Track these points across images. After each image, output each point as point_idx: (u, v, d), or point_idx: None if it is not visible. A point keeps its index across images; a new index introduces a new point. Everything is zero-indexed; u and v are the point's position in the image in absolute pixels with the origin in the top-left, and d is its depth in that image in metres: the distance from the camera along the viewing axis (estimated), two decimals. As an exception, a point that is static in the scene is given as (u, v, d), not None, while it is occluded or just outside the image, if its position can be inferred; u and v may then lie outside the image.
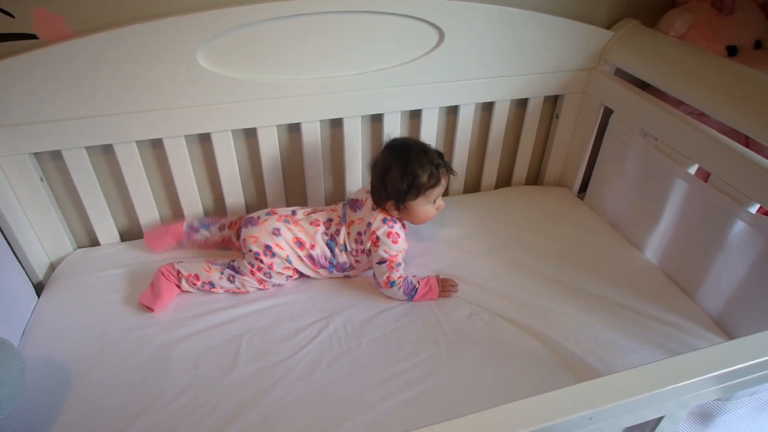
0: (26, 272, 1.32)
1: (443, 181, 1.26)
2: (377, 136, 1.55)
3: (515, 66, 1.51)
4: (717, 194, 1.23)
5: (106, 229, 1.46)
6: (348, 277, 1.38)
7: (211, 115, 1.34)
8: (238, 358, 1.15)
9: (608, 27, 1.55)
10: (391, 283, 1.26)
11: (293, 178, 1.57)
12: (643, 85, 1.49)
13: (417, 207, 1.26)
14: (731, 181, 1.19)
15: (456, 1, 1.35)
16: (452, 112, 1.60)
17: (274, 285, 1.33)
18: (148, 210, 1.46)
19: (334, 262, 1.32)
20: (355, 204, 1.33)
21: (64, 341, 1.18)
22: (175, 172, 1.42)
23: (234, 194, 1.51)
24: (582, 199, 1.74)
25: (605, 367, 1.14)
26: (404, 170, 1.22)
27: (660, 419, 0.76)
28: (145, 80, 1.24)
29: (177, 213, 1.52)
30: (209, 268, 1.29)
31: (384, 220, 1.26)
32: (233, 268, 1.30)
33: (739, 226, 1.19)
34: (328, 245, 1.31)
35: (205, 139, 1.42)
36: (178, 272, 1.28)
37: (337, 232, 1.31)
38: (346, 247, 1.31)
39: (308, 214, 1.34)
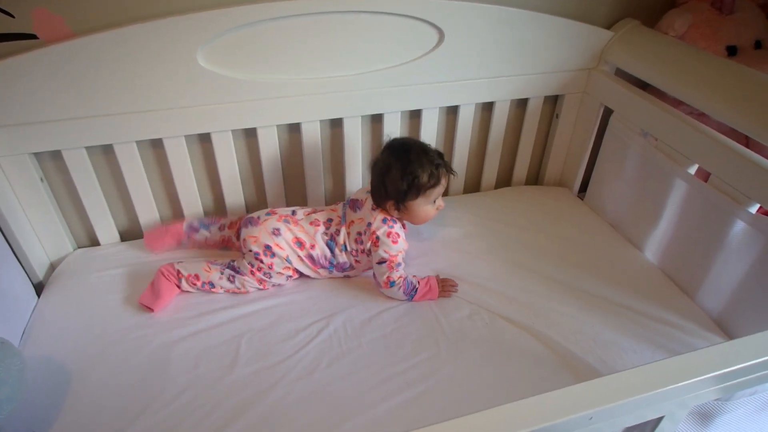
0: (26, 272, 1.32)
1: (443, 181, 1.26)
2: (377, 136, 1.55)
3: (515, 66, 1.51)
4: (717, 194, 1.23)
5: (106, 229, 1.46)
6: (348, 277, 1.38)
7: (211, 115, 1.34)
8: (238, 358, 1.15)
9: (608, 27, 1.55)
10: (391, 283, 1.26)
11: (293, 178, 1.57)
12: (643, 85, 1.49)
13: (417, 207, 1.26)
14: (731, 181, 1.19)
15: (456, 1, 1.35)
16: (452, 112, 1.60)
17: (274, 285, 1.33)
18: (148, 210, 1.46)
19: (334, 262, 1.32)
20: (355, 204, 1.33)
21: (64, 341, 1.18)
22: (175, 172, 1.42)
23: (234, 194, 1.51)
24: (582, 199, 1.74)
25: (605, 367, 1.14)
26: (404, 170, 1.22)
27: (660, 419, 0.76)
28: (145, 80, 1.24)
29: (177, 213, 1.52)
30: (209, 268, 1.29)
31: (384, 220, 1.26)
32: (233, 268, 1.30)
33: (739, 226, 1.19)
34: (328, 245, 1.31)
35: (205, 139, 1.42)
36: (178, 272, 1.28)
37: (337, 232, 1.31)
38: (346, 247, 1.31)
39: (308, 214, 1.34)
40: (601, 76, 1.55)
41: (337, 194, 1.65)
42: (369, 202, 1.30)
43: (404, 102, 1.48)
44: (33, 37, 1.16)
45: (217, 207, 1.57)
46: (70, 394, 1.07)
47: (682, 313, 1.28)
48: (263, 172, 1.50)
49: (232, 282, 1.29)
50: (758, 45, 1.49)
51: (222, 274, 1.29)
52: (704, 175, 1.28)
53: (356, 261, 1.32)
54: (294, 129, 1.48)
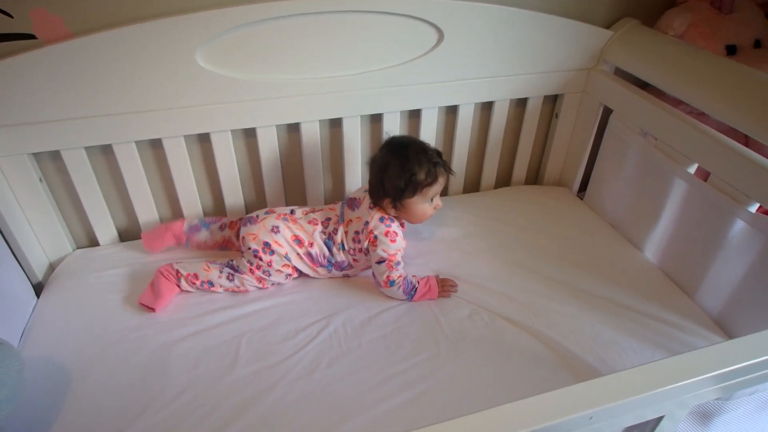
0: (25, 273, 1.32)
1: (441, 180, 1.26)
2: (377, 135, 1.55)
3: (515, 66, 1.51)
4: (717, 193, 1.23)
5: (106, 230, 1.46)
6: (347, 276, 1.38)
7: (211, 115, 1.34)
8: (238, 358, 1.15)
9: (607, 26, 1.55)
10: (391, 282, 1.26)
11: (292, 177, 1.57)
12: (643, 85, 1.49)
13: (414, 205, 1.26)
14: (731, 180, 1.19)
15: (455, 1, 1.35)
16: (452, 111, 1.60)
17: (273, 284, 1.33)
18: (147, 210, 1.46)
19: (333, 261, 1.32)
20: (353, 203, 1.33)
21: (63, 342, 1.18)
22: (174, 172, 1.42)
23: (233, 194, 1.51)
24: (582, 199, 1.74)
25: (605, 366, 1.14)
26: (402, 167, 1.22)
27: (660, 419, 0.76)
28: (144, 80, 1.24)
29: (176, 213, 1.52)
30: (208, 267, 1.29)
31: (381, 219, 1.26)
32: (232, 267, 1.30)
33: (739, 225, 1.19)
34: (326, 244, 1.31)
35: (204, 139, 1.42)
36: (177, 272, 1.28)
37: (335, 231, 1.31)
38: (343, 245, 1.31)
39: (307, 213, 1.34)
40: (601, 75, 1.55)
41: (336, 194, 1.65)
42: (367, 201, 1.30)
43: (404, 102, 1.48)
44: (32, 37, 1.16)
45: (217, 207, 1.56)
46: (70, 394, 1.07)
47: (681, 313, 1.28)
48: (262, 172, 1.50)
49: (231, 281, 1.29)
50: (757, 44, 1.49)
51: (221, 272, 1.29)
52: (704, 175, 1.28)
53: (354, 260, 1.32)
54: (293, 129, 1.48)
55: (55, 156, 1.32)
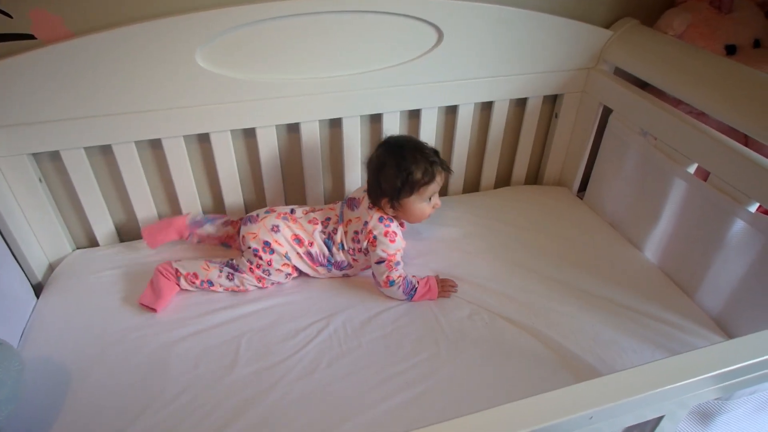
0: (25, 273, 1.32)
1: (438, 179, 1.25)
2: (376, 135, 1.55)
3: (514, 65, 1.51)
4: (716, 193, 1.23)
5: (105, 230, 1.46)
6: (347, 276, 1.38)
7: (210, 115, 1.34)
8: (238, 358, 1.15)
9: (607, 26, 1.55)
10: (391, 282, 1.26)
11: (292, 177, 1.57)
12: (643, 85, 1.49)
13: (411, 204, 1.26)
14: (731, 180, 1.19)
15: (455, 1, 1.35)
16: (451, 111, 1.60)
17: (273, 283, 1.33)
18: (146, 210, 1.45)
19: (332, 261, 1.32)
20: (352, 203, 1.33)
21: (63, 342, 1.18)
22: (174, 172, 1.41)
23: (233, 194, 1.51)
24: (581, 199, 1.74)
25: (605, 366, 1.14)
26: (398, 166, 1.21)
27: (660, 419, 0.76)
28: (144, 80, 1.24)
29: (176, 213, 1.51)
30: (207, 266, 1.29)
31: (380, 219, 1.26)
32: (232, 266, 1.30)
33: (739, 225, 1.19)
34: (325, 243, 1.31)
35: (204, 139, 1.42)
36: (176, 271, 1.28)
37: (335, 230, 1.31)
38: (343, 245, 1.31)
39: (307, 213, 1.34)
40: (600, 75, 1.55)
41: (336, 194, 1.65)
42: (366, 201, 1.30)
43: (403, 102, 1.48)
44: (31, 37, 1.16)
45: (216, 207, 1.56)
46: (70, 394, 1.07)
47: (681, 313, 1.29)
48: (262, 172, 1.50)
49: (231, 280, 1.29)
50: (757, 44, 1.49)
51: (221, 272, 1.29)
52: (704, 175, 1.28)
53: (354, 260, 1.32)
54: (293, 129, 1.48)
55: (55, 156, 1.32)
